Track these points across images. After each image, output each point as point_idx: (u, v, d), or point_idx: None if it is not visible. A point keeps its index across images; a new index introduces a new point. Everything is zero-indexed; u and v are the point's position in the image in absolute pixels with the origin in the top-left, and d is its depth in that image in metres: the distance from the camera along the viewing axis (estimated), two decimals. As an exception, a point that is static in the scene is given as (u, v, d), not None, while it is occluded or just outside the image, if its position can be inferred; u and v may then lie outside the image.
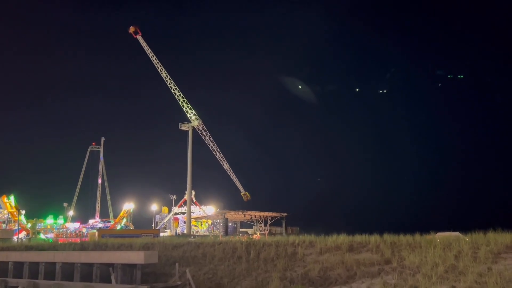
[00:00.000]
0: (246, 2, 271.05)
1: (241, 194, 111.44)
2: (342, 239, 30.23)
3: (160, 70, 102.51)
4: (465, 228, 29.61)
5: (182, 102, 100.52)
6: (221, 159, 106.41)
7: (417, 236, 27.97)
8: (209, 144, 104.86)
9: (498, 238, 23.98)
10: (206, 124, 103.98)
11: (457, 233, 29.94)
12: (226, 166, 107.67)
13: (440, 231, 32.66)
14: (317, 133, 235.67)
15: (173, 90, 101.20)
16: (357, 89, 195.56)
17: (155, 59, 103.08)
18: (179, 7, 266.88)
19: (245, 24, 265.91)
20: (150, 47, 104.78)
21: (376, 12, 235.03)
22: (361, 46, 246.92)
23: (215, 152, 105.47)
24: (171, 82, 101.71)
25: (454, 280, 19.80)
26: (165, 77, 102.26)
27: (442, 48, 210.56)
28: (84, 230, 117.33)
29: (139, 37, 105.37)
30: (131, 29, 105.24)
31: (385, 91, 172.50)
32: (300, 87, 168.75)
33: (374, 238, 28.89)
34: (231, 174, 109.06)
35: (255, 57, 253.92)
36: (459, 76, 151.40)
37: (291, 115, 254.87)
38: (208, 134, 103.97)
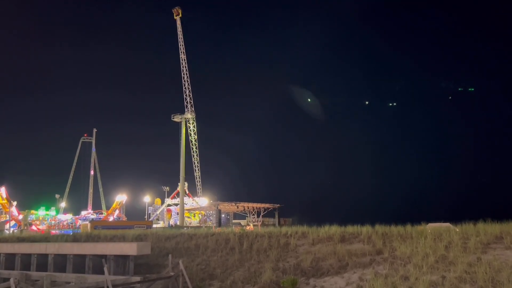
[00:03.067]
0: (254, 12, 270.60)
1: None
2: (334, 230, 30.46)
3: (181, 52, 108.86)
4: (455, 219, 30.00)
5: (185, 91, 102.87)
6: (196, 163, 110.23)
7: (408, 227, 28.28)
8: (190, 142, 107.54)
9: (487, 229, 24.33)
10: (211, 126, 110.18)
11: (447, 224, 30.22)
12: (197, 173, 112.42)
13: (431, 222, 32.94)
14: (320, 133, 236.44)
15: (182, 75, 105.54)
16: (366, 102, 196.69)
17: (182, 41, 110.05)
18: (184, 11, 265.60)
19: (254, 33, 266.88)
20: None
21: (387, 23, 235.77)
22: (371, 57, 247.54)
23: (193, 153, 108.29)
24: (185, 65, 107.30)
25: (444, 270, 20.05)
26: (182, 58, 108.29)
27: (453, 60, 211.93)
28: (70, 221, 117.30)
29: (177, 18, 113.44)
30: (175, 11, 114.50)
31: (394, 104, 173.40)
32: (309, 99, 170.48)
33: (366, 229, 29.14)
34: (199, 184, 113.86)
35: (264, 64, 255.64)
36: (469, 89, 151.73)
37: (295, 115, 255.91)
38: (195, 131, 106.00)
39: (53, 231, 77.40)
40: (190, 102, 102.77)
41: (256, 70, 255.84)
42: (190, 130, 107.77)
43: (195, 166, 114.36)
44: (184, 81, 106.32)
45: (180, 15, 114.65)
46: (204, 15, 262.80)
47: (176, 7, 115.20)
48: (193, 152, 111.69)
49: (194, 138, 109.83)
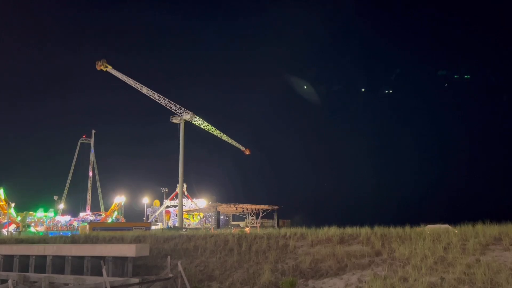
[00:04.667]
0: (251, 1, 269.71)
1: (242, 150, 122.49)
2: (333, 231, 30.45)
3: (140, 88, 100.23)
4: (454, 220, 30.02)
5: (170, 107, 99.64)
6: (218, 132, 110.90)
7: (407, 229, 28.25)
8: (204, 127, 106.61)
9: (486, 230, 24.32)
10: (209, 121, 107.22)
11: (446, 225, 30.25)
12: (224, 137, 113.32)
13: (429, 224, 32.96)
14: (318, 133, 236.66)
15: (158, 100, 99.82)
16: (363, 89, 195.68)
17: (133, 82, 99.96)
18: (180, 5, 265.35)
19: (249, 23, 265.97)
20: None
21: (383, 12, 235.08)
22: (367, 46, 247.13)
23: (211, 130, 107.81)
24: (154, 93, 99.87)
25: (443, 272, 20.06)
26: (146, 92, 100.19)
27: (449, 48, 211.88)
28: (75, 224, 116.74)
29: (109, 70, 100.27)
30: (98, 66, 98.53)
31: (390, 91, 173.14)
32: (305, 87, 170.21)
33: (364, 230, 29.11)
34: (231, 140, 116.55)
35: (260, 56, 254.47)
36: (465, 77, 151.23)
37: (293, 113, 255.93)
38: (201, 120, 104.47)
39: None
40: (178, 106, 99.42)
41: (253, 67, 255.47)
42: (204, 126, 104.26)
43: (228, 140, 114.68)
44: (151, 95, 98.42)
45: (109, 67, 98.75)
46: (202, 11, 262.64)
47: (100, 61, 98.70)
48: (221, 136, 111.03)
49: (210, 128, 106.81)
